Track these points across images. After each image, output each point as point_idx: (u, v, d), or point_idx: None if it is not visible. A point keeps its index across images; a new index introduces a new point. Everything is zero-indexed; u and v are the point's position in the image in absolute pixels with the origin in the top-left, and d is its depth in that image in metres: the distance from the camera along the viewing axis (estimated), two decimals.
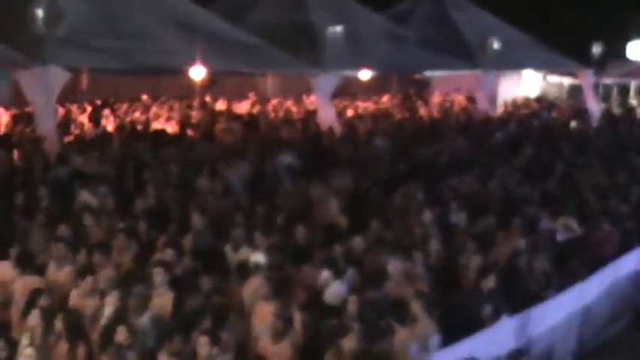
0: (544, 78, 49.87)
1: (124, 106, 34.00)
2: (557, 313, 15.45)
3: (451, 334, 12.95)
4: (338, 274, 14.82)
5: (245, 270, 14.72)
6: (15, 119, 27.20)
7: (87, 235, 16.68)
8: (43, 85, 24.01)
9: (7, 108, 27.32)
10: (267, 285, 13.86)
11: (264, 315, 12.94)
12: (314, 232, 17.55)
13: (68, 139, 25.89)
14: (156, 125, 30.95)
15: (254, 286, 14.19)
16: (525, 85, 48.39)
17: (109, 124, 30.31)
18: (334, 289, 14.33)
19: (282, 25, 34.31)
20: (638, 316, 18.46)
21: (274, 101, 39.47)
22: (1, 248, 15.04)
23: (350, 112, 37.75)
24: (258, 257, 15.25)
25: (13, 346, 11.82)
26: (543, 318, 14.86)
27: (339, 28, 33.20)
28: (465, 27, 41.64)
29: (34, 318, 12.14)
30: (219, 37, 30.09)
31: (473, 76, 41.01)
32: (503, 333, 13.75)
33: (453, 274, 15.90)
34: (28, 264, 14.41)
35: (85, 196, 18.82)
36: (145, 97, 35.96)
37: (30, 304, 12.79)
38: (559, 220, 19.20)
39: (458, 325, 13.42)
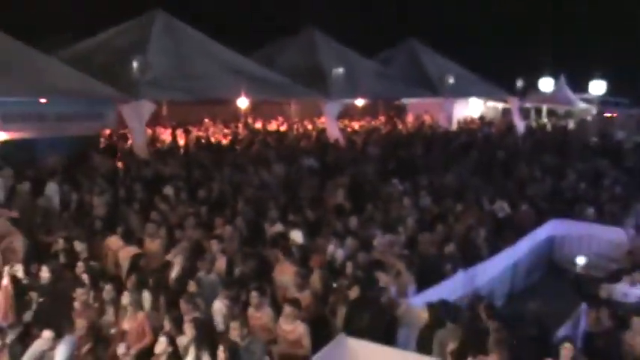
0: (484, 103, 49.75)
1: (192, 127, 34.01)
2: (496, 267, 15.68)
3: (423, 285, 13.09)
4: (340, 243, 14.89)
5: (277, 240, 14.76)
6: (118, 137, 27.24)
7: (167, 217, 16.80)
8: (137, 113, 24.38)
9: (112, 130, 27.31)
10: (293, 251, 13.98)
11: (289, 271, 13.05)
12: (326, 214, 17.68)
13: (154, 150, 25.92)
14: (213, 140, 30.92)
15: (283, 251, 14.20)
16: (471, 108, 48.28)
17: (181, 140, 30.34)
18: (338, 254, 14.38)
19: (300, 67, 34.30)
20: (549, 268, 18.62)
21: (296, 121, 39.45)
22: (110, 227, 15.17)
23: (349, 129, 37.62)
24: (297, 235, 15.40)
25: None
26: (486, 271, 15.04)
27: (340, 69, 33.37)
28: (429, 67, 41.56)
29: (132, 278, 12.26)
30: (257, 76, 30.23)
31: (436, 102, 41.15)
32: (459, 283, 13.89)
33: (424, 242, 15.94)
34: (129, 238, 14.55)
35: (167, 190, 18.92)
36: (206, 120, 35.90)
37: (133, 266, 12.89)
38: (496, 203, 19.32)
39: (427, 278, 13.55)
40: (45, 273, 11.58)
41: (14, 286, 11.44)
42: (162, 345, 9.50)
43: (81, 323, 10.74)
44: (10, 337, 10.25)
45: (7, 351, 9.70)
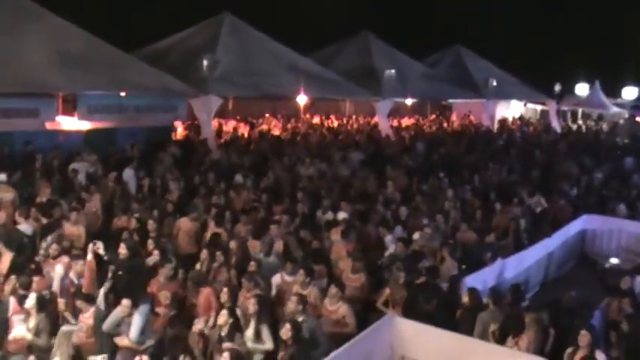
0: (524, 105, 49.33)
1: (255, 120, 34.22)
2: (532, 257, 15.56)
3: (465, 271, 13.08)
4: (390, 230, 14.93)
5: (329, 225, 14.91)
6: (189, 129, 27.51)
7: (232, 203, 16.96)
8: (206, 107, 24.70)
9: (183, 122, 27.61)
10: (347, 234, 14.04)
11: (343, 254, 13.10)
12: (376, 204, 17.71)
13: (221, 141, 26.15)
14: (275, 133, 31.08)
15: (336, 235, 14.33)
16: (512, 109, 47.93)
17: (245, 132, 30.55)
18: (387, 240, 14.41)
19: (356, 68, 34.39)
20: (581, 260, 18.44)
21: (350, 118, 39.47)
22: (183, 210, 15.41)
23: (400, 125, 37.55)
24: (342, 215, 15.52)
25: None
26: (522, 260, 14.96)
27: (392, 70, 33.29)
28: (473, 70, 41.36)
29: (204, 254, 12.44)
30: (315, 75, 30.33)
31: (479, 103, 40.97)
32: (498, 270, 13.85)
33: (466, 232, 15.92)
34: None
35: (237, 179, 19.07)
36: (267, 115, 36.11)
37: (211, 244, 13.06)
38: (534, 198, 19.18)
39: (468, 265, 13.54)
40: (123, 250, 11.78)
41: (96, 261, 11.68)
42: (224, 317, 9.62)
43: (164, 295, 10.97)
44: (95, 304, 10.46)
45: (93, 314, 9.88)
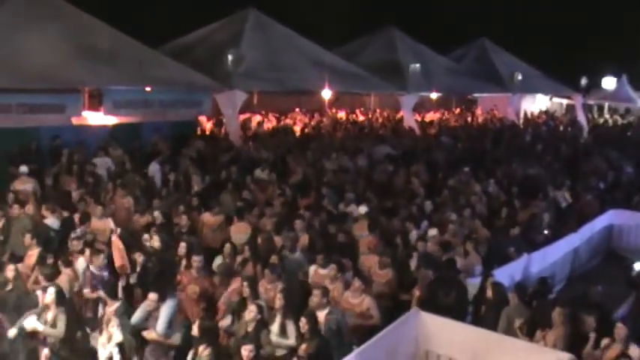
0: (550, 99, 49.00)
1: (280, 115, 34.27)
2: (557, 252, 15.46)
3: (489, 265, 13.02)
4: (416, 225, 14.89)
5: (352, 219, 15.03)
6: (217, 124, 27.61)
7: (257, 197, 16.98)
8: (231, 102, 24.74)
9: (209, 117, 27.73)
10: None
11: (368, 249, 13.07)
12: (401, 197, 17.68)
13: (246, 135, 26.22)
14: (299, 127, 31.10)
15: (360, 227, 14.42)
16: (538, 103, 47.65)
17: (270, 126, 30.62)
18: (413, 235, 14.37)
19: (380, 62, 34.30)
20: (607, 256, 18.27)
21: (375, 112, 39.41)
22: (207, 205, 15.44)
23: (424, 120, 37.43)
24: (363, 208, 15.46)
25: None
26: (548, 255, 14.87)
27: (417, 65, 33.16)
28: (499, 64, 41.08)
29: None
30: (340, 70, 30.28)
31: (504, 97, 40.72)
32: (523, 265, 13.78)
33: (491, 225, 15.86)
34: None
35: (257, 173, 19.11)
36: (297, 109, 36.21)
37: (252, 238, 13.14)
38: (559, 193, 19.05)
39: (493, 258, 13.49)
40: (156, 242, 11.85)
41: (122, 242, 11.82)
42: (252, 313, 9.62)
43: (193, 289, 11.02)
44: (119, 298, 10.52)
45: (116, 308, 9.91)
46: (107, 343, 9.35)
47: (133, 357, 9.45)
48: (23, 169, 16.63)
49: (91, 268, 11.56)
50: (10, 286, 10.52)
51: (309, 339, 9.18)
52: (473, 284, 11.86)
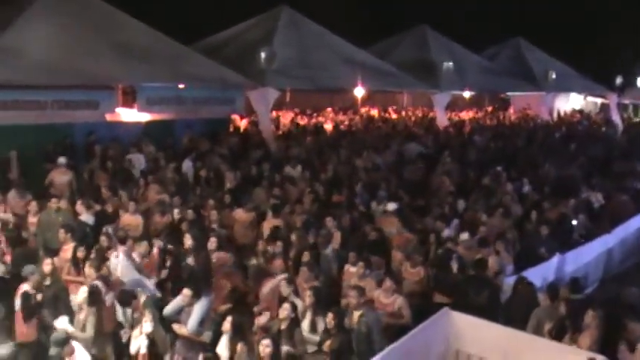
0: (584, 98, 48.54)
1: (312, 113, 34.32)
2: (590, 253, 15.30)
3: (521, 265, 12.93)
4: (447, 223, 14.84)
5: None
6: (252, 123, 27.68)
7: (288, 194, 17.01)
8: (263, 99, 24.83)
9: (242, 116, 27.83)
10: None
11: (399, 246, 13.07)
12: (432, 196, 17.64)
13: (278, 133, 26.31)
14: (332, 125, 31.12)
15: (388, 223, 14.45)
16: (572, 102, 47.24)
17: (303, 124, 30.67)
18: (445, 233, 14.32)
19: (413, 60, 34.31)
20: None
21: (408, 110, 39.34)
22: (238, 201, 15.51)
23: (458, 118, 37.28)
24: (391, 205, 15.50)
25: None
26: (580, 256, 14.74)
27: (450, 63, 33.06)
28: (532, 63, 40.84)
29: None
30: (372, 67, 30.29)
31: (538, 96, 40.45)
32: (555, 266, 13.66)
33: (523, 225, 15.76)
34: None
35: (288, 170, 19.16)
36: (329, 109, 36.22)
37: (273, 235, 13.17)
38: (592, 193, 18.88)
39: (525, 258, 13.39)
40: (188, 240, 11.93)
41: (160, 252, 11.90)
42: (285, 311, 9.64)
43: (225, 284, 11.10)
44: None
45: (144, 301, 9.98)
46: (139, 335, 9.41)
47: (162, 349, 9.49)
48: (61, 160, 17.00)
49: (134, 255, 11.69)
50: (47, 281, 10.60)
51: (334, 335, 9.22)
52: (508, 284, 11.78)
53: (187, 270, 11.33)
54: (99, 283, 10.26)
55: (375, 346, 9.49)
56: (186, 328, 9.77)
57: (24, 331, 10.06)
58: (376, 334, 9.71)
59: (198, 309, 9.82)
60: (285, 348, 9.01)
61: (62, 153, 18.05)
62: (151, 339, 9.22)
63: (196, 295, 9.86)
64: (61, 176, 16.70)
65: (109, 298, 10.33)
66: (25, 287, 10.06)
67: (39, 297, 10.12)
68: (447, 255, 12.51)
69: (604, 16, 52.37)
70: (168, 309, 9.98)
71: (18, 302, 10.02)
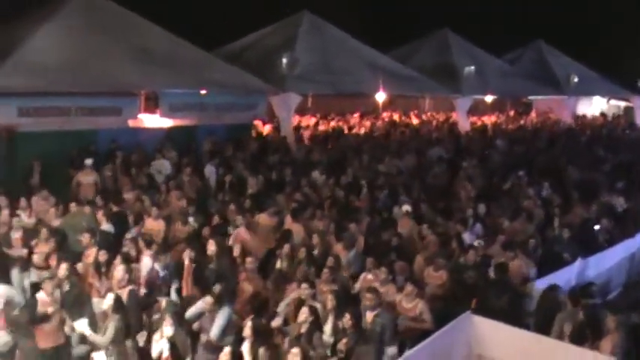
0: (608, 101, 48.19)
1: (334, 118, 34.37)
2: (613, 257, 15.22)
3: (544, 269, 12.90)
4: (468, 227, 14.81)
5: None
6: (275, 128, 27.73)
7: (309, 199, 17.04)
8: (285, 104, 25.00)
9: (265, 121, 27.89)
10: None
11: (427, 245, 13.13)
12: (454, 200, 17.61)
13: (300, 137, 26.37)
14: (354, 130, 31.12)
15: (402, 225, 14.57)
16: (595, 106, 46.95)
17: (324, 128, 30.73)
18: (465, 238, 14.31)
19: (435, 65, 34.28)
20: None
21: (429, 115, 39.29)
22: (260, 206, 15.57)
23: (478, 123, 37.12)
24: (406, 207, 15.60)
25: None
26: (603, 261, 14.65)
27: (472, 67, 32.99)
28: (555, 66, 40.61)
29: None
30: (394, 72, 30.29)
31: (560, 100, 40.25)
32: (577, 270, 13.60)
33: (546, 228, 15.70)
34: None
35: (314, 175, 19.20)
36: (350, 112, 36.24)
37: (283, 238, 13.22)
38: (614, 197, 18.76)
39: (547, 262, 13.35)
40: (212, 246, 11.98)
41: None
42: (304, 314, 9.69)
43: (247, 287, 11.19)
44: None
45: (164, 305, 10.06)
46: (160, 339, 9.46)
47: (183, 352, 9.55)
48: (88, 162, 17.43)
49: (156, 266, 11.78)
50: (66, 284, 10.69)
51: (350, 334, 9.30)
52: (537, 290, 11.75)
53: (211, 276, 11.40)
54: (126, 290, 10.39)
55: (386, 348, 9.56)
56: (209, 335, 9.80)
57: (45, 336, 10.12)
58: (389, 335, 9.77)
59: (220, 317, 9.82)
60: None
61: (86, 159, 18.32)
62: (172, 342, 9.28)
63: (218, 303, 9.91)
64: (86, 177, 17.13)
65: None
66: (40, 295, 10.15)
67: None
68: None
69: (628, 18, 52.00)
70: (190, 312, 10.04)
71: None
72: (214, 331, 9.73)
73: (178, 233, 14.20)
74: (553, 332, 10.23)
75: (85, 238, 12.44)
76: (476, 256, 12.76)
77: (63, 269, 10.81)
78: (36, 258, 12.20)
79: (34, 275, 11.63)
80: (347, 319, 9.39)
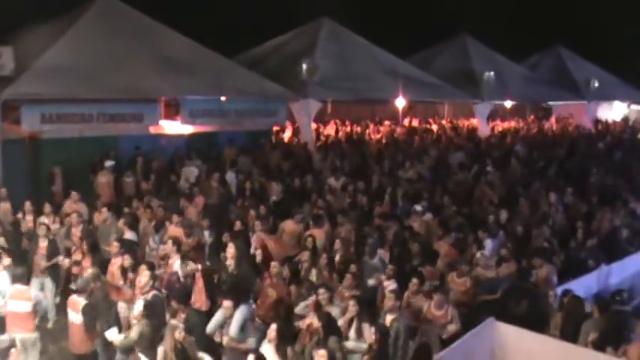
0: (628, 106, 47.85)
1: (353, 124, 34.39)
2: (638, 263, 15.05)
3: (567, 276, 12.83)
4: (490, 234, 14.75)
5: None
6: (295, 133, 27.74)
7: (330, 205, 17.05)
8: (305, 110, 25.12)
9: (283, 127, 27.89)
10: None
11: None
12: (475, 207, 17.58)
13: (319, 143, 26.44)
14: (374, 136, 31.13)
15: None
16: (615, 111, 46.66)
17: (343, 135, 30.74)
18: (487, 244, 14.25)
19: (454, 70, 34.26)
20: None
21: (449, 120, 39.21)
22: (287, 213, 15.62)
23: (498, 128, 37.00)
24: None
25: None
26: (627, 267, 14.51)
27: (491, 72, 32.92)
28: (574, 72, 40.61)
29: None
30: (413, 78, 30.30)
31: (580, 105, 40.05)
32: (601, 277, 13.51)
33: (569, 235, 15.60)
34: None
35: (330, 181, 19.21)
36: (368, 118, 36.25)
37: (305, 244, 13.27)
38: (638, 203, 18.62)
39: (571, 269, 13.29)
40: (231, 249, 12.03)
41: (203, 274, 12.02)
42: (315, 320, 9.81)
43: (271, 293, 11.23)
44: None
45: (186, 317, 10.10)
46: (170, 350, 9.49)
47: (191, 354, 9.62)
48: (108, 163, 18.22)
49: (180, 274, 11.88)
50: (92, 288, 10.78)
51: (374, 350, 9.36)
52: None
53: (229, 280, 11.47)
54: (150, 294, 10.47)
55: (398, 354, 9.57)
56: (228, 335, 9.85)
57: (83, 342, 10.29)
58: (403, 341, 9.77)
59: (237, 316, 9.92)
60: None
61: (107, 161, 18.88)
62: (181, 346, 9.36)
63: (236, 305, 9.97)
64: (102, 177, 17.87)
65: None
66: (80, 299, 10.23)
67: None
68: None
69: None
70: (211, 325, 10.08)
71: (75, 315, 10.20)
72: (232, 329, 9.82)
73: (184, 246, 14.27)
74: (581, 340, 10.16)
75: (115, 247, 12.49)
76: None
77: (90, 274, 10.91)
78: (67, 262, 12.58)
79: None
80: (371, 334, 9.43)
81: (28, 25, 24.25)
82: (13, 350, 8.51)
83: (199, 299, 11.65)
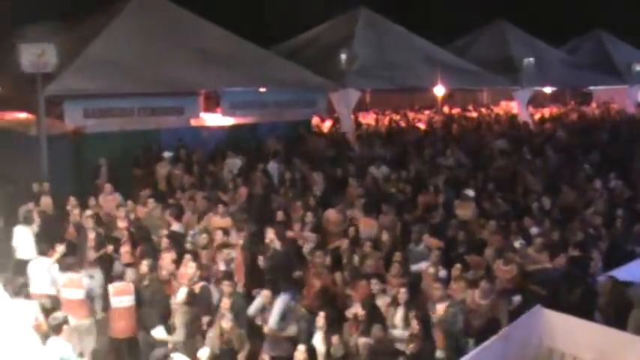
0: None
1: (392, 113, 34.31)
2: None
3: (611, 262, 12.69)
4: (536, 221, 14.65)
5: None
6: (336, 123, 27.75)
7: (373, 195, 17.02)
8: (345, 100, 25.13)
9: (322, 117, 27.90)
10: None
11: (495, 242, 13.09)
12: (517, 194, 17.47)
13: (359, 133, 26.43)
14: (413, 124, 31.04)
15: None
16: None
17: (383, 124, 30.71)
18: (533, 232, 14.15)
19: (492, 57, 33.88)
20: None
21: (489, 108, 38.91)
22: (328, 202, 15.69)
23: (538, 114, 36.62)
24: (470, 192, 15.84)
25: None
26: None
27: (531, 58, 32.60)
28: (615, 55, 39.83)
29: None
30: (452, 65, 30.13)
31: (622, 89, 39.47)
32: None
33: (612, 222, 15.42)
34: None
35: (372, 170, 19.20)
36: (407, 107, 36.14)
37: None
38: None
39: (614, 256, 13.14)
40: (270, 234, 12.13)
41: (244, 253, 12.10)
42: (359, 309, 9.88)
43: (316, 282, 11.37)
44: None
45: (230, 302, 10.20)
46: (217, 338, 9.61)
47: (239, 347, 9.70)
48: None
49: (220, 263, 12.04)
50: (145, 282, 10.97)
51: (416, 340, 9.44)
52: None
53: (271, 269, 11.58)
54: (198, 285, 10.61)
55: (460, 340, 9.60)
56: (268, 326, 9.95)
57: (121, 327, 10.55)
58: (459, 326, 9.76)
59: (277, 306, 10.05)
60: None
61: (150, 158, 19.06)
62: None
63: (276, 293, 10.09)
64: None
65: None
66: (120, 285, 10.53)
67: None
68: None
69: None
70: (252, 308, 10.26)
71: (119, 299, 10.45)
72: (272, 319, 9.95)
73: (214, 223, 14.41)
74: (629, 328, 10.05)
75: (165, 242, 12.66)
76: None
77: (144, 265, 11.14)
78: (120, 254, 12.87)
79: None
80: (415, 324, 9.50)
81: (69, 21, 24.56)
82: (65, 327, 8.66)
83: (239, 276, 11.87)
